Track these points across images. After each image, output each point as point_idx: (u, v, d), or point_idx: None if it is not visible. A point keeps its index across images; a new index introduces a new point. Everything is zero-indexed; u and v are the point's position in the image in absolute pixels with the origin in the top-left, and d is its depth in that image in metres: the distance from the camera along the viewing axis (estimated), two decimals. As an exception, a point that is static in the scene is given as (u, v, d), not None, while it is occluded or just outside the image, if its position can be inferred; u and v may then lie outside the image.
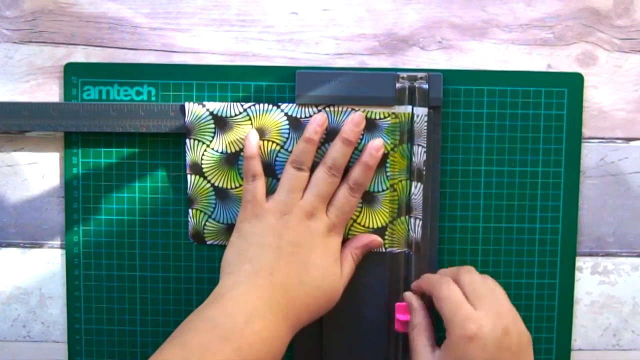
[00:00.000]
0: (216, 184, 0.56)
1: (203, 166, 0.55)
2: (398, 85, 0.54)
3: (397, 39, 0.56)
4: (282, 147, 0.55)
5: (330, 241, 0.53)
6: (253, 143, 0.54)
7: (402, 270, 0.56)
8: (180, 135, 0.56)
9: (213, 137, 0.55)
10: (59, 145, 0.57)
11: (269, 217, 0.52)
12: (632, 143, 0.57)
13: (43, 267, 0.58)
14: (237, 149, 0.55)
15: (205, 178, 0.56)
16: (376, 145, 0.54)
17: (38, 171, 0.57)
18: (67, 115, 0.55)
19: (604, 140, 0.57)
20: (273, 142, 0.55)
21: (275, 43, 0.56)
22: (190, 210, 0.56)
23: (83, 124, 0.55)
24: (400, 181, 0.55)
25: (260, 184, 0.53)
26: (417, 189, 0.55)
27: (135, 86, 0.56)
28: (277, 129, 0.55)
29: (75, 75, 0.56)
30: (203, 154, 0.55)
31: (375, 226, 0.56)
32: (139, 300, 0.57)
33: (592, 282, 0.58)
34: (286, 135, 0.55)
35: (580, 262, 0.58)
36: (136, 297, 0.57)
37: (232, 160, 0.55)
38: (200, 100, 0.56)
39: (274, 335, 0.48)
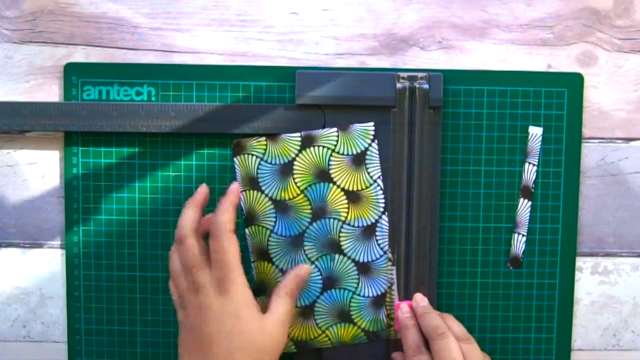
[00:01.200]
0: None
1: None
2: (398, 85, 0.54)
3: (397, 39, 0.56)
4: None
5: (223, 299, 0.49)
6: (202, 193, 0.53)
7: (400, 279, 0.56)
8: (180, 135, 0.56)
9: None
10: (59, 145, 0.57)
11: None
12: (632, 143, 0.57)
13: (43, 267, 0.58)
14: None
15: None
16: (232, 187, 0.51)
17: (38, 171, 0.57)
18: (67, 115, 0.55)
19: (604, 140, 0.57)
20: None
21: (275, 43, 0.56)
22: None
23: (83, 124, 0.55)
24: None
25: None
26: (523, 206, 0.56)
27: (135, 86, 0.56)
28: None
29: (75, 75, 0.56)
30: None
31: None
32: (139, 300, 0.57)
33: (592, 282, 0.58)
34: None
35: (580, 262, 0.58)
36: (136, 297, 0.57)
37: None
38: (200, 100, 0.56)
39: None
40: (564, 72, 0.56)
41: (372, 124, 0.55)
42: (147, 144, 0.56)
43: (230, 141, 0.56)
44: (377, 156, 0.55)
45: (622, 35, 0.56)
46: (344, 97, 0.54)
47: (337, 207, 0.55)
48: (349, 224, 0.55)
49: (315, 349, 0.56)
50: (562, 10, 0.56)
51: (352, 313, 0.56)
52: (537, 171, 0.56)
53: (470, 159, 0.57)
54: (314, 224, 0.55)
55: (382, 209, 0.55)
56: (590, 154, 0.57)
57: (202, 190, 0.52)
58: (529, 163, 0.56)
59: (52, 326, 0.58)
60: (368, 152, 0.55)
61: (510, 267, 0.57)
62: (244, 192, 0.55)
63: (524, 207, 0.57)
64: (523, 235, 0.57)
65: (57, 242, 0.58)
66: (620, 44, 0.56)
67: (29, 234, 0.58)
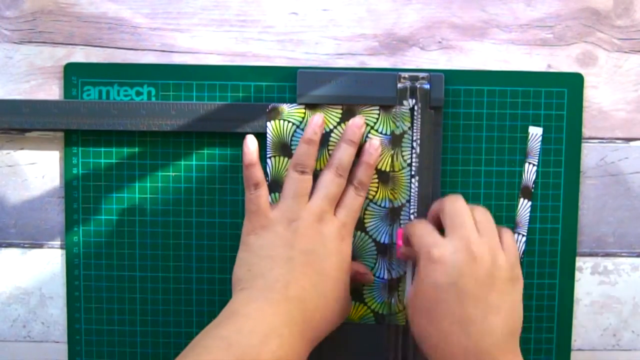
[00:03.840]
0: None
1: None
2: (400, 85, 0.54)
3: (397, 39, 0.56)
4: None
5: (343, 248, 0.52)
6: (252, 149, 0.52)
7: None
8: (180, 135, 0.56)
9: (303, 118, 0.55)
10: (59, 145, 0.57)
11: (276, 227, 0.50)
12: (632, 143, 0.57)
13: (43, 267, 0.58)
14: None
15: None
16: (374, 144, 0.54)
17: (38, 171, 0.57)
18: (67, 113, 0.55)
19: (604, 140, 0.57)
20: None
21: (275, 43, 0.56)
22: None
23: (84, 122, 0.55)
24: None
25: (264, 192, 0.52)
26: (523, 206, 0.56)
27: (135, 86, 0.56)
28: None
29: (75, 75, 0.56)
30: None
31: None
32: (139, 300, 0.57)
33: (592, 282, 0.58)
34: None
35: (580, 262, 0.58)
36: (136, 297, 0.57)
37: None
38: (200, 100, 0.56)
39: (290, 353, 0.46)
40: (564, 72, 0.56)
41: (408, 107, 0.54)
42: (147, 144, 0.56)
43: (231, 141, 0.56)
44: (410, 141, 0.55)
45: (622, 35, 0.56)
46: (345, 97, 0.54)
47: None
48: (375, 203, 0.55)
49: (316, 350, 0.56)
50: (562, 10, 0.56)
51: (364, 292, 0.56)
52: (537, 171, 0.56)
53: (470, 159, 0.57)
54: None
55: (409, 195, 0.55)
56: (590, 154, 0.57)
57: (318, 120, 0.53)
58: (529, 163, 0.56)
59: (52, 326, 0.58)
60: (405, 136, 0.55)
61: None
62: (272, 158, 0.55)
63: (524, 207, 0.57)
64: (523, 235, 0.57)
65: (57, 242, 0.58)
66: (620, 44, 0.56)
67: (29, 234, 0.58)
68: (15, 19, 0.56)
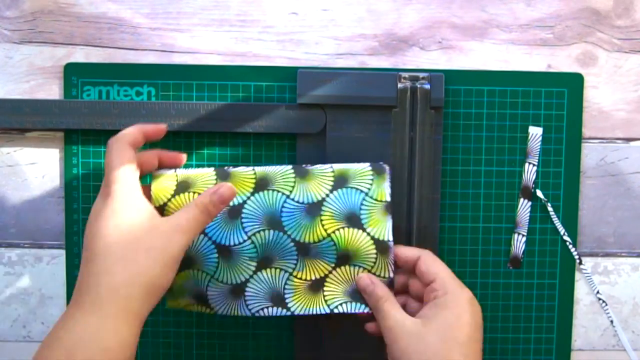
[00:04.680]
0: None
1: None
2: (400, 85, 0.54)
3: (397, 39, 0.56)
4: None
5: (104, 201, 0.46)
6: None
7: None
8: (180, 135, 0.56)
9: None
10: (59, 145, 0.57)
11: None
12: (632, 143, 0.57)
13: (43, 267, 0.58)
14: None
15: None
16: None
17: (38, 171, 0.57)
18: (68, 112, 0.55)
19: (604, 140, 0.57)
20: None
21: (275, 43, 0.56)
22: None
23: (84, 122, 0.55)
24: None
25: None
26: (523, 206, 0.56)
27: (135, 86, 0.56)
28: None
29: (75, 75, 0.56)
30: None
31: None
32: (139, 300, 0.57)
33: (592, 282, 0.58)
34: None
35: (580, 262, 0.58)
36: (136, 297, 0.57)
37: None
38: (200, 100, 0.56)
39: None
40: (564, 72, 0.56)
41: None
42: (147, 144, 0.56)
43: (231, 141, 0.56)
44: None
45: (622, 35, 0.56)
46: (346, 97, 0.54)
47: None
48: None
49: (317, 333, 0.56)
50: (562, 10, 0.56)
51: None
52: (537, 171, 0.56)
53: (470, 159, 0.57)
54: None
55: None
56: (590, 154, 0.57)
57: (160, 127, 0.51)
58: (529, 163, 0.56)
59: (52, 326, 0.58)
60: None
61: (510, 267, 0.57)
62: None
63: (524, 207, 0.57)
64: (523, 235, 0.57)
65: (57, 242, 0.58)
66: (620, 44, 0.56)
67: (29, 234, 0.58)
68: (15, 19, 0.56)
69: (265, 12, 0.56)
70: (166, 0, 0.56)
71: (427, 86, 0.54)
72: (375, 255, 0.51)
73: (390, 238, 0.51)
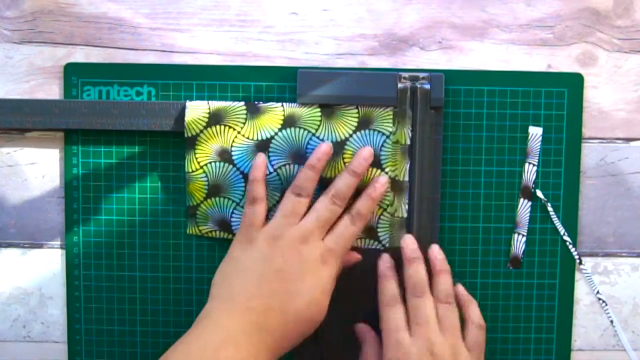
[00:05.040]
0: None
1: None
2: (400, 85, 0.54)
3: (397, 39, 0.56)
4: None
5: (322, 271, 0.51)
6: (260, 165, 0.53)
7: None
8: (181, 135, 0.56)
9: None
10: (59, 145, 0.57)
11: (260, 242, 0.51)
12: (632, 143, 0.57)
13: (43, 267, 0.58)
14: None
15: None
16: (381, 180, 0.54)
17: (38, 171, 0.57)
18: (68, 112, 0.55)
19: (604, 141, 0.57)
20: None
21: (275, 43, 0.56)
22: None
23: (84, 122, 0.55)
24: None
25: (260, 209, 0.52)
26: (523, 206, 0.56)
27: (135, 86, 0.56)
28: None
29: (75, 75, 0.56)
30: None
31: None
32: (139, 300, 0.57)
33: (592, 282, 0.58)
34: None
35: (580, 262, 0.58)
36: (136, 297, 0.57)
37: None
38: (200, 99, 0.56)
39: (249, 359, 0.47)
40: (564, 72, 0.56)
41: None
42: (147, 143, 0.56)
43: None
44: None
45: (622, 35, 0.56)
46: (346, 97, 0.54)
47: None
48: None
49: (317, 348, 0.56)
50: (562, 10, 0.56)
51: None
52: (537, 171, 0.56)
53: (470, 159, 0.57)
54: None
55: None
56: (590, 154, 0.57)
57: (325, 148, 0.53)
58: (529, 163, 0.56)
59: (52, 326, 0.58)
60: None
61: (510, 267, 0.57)
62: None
63: (524, 207, 0.57)
64: (523, 235, 0.57)
65: (57, 242, 0.58)
66: (620, 44, 0.56)
67: (29, 234, 0.58)
68: (15, 19, 0.56)
69: (265, 12, 0.56)
70: (166, 0, 0.56)
71: (427, 86, 0.54)
72: (391, 195, 0.55)
73: (407, 179, 0.54)
